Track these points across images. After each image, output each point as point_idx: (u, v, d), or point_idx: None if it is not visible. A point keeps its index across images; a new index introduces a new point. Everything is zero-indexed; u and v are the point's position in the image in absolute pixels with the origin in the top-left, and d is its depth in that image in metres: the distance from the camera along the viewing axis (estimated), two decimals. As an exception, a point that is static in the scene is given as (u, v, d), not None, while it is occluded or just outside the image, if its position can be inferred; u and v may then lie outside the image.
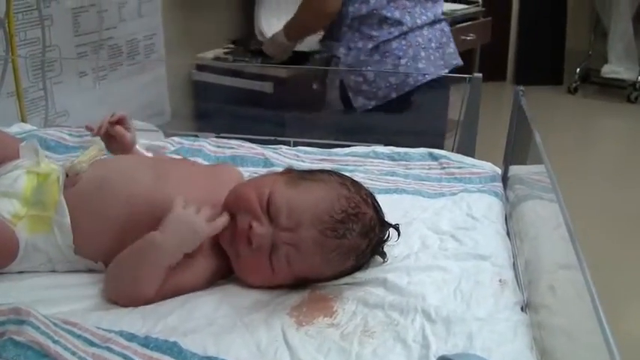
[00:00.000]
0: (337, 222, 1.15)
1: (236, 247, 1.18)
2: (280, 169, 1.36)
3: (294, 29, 2.46)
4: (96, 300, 1.16)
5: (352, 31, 2.29)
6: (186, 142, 1.76)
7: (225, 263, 1.20)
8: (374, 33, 2.27)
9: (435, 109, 2.37)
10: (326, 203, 1.16)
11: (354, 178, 1.29)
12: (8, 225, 1.20)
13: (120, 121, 1.46)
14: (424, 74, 2.26)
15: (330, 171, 1.29)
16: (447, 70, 2.31)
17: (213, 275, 1.20)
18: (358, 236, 1.18)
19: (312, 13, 2.34)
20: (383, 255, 1.26)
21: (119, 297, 1.14)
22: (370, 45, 2.26)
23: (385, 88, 2.27)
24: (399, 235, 1.29)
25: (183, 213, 1.16)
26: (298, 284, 1.20)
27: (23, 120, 2.32)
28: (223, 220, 1.18)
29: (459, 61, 2.39)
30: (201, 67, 3.09)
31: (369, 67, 2.26)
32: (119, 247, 1.19)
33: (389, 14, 2.24)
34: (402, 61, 2.25)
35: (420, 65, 2.26)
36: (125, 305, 1.12)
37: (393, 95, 2.27)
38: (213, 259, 1.20)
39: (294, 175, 1.27)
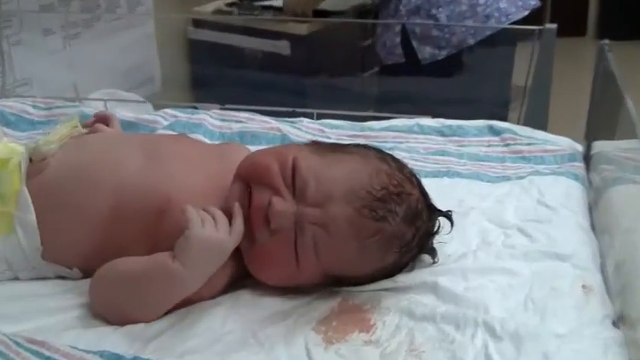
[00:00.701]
0: (376, 200, 1.14)
1: (250, 231, 1.16)
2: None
3: None
4: (70, 314, 1.15)
5: None
6: (183, 116, 1.75)
7: (242, 263, 1.19)
8: None
9: (497, 70, 2.35)
10: (363, 176, 1.16)
11: (394, 157, 1.29)
12: None
13: (104, 120, 1.46)
14: (507, 14, 2.24)
15: (366, 145, 1.28)
16: (526, 13, 2.29)
17: (231, 280, 1.20)
18: (402, 222, 1.16)
19: None
20: (432, 253, 1.26)
21: (113, 318, 1.13)
22: None
23: (461, 33, 2.24)
24: (452, 224, 1.28)
25: (202, 233, 1.11)
26: (327, 285, 1.19)
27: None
28: (240, 221, 1.15)
29: (537, 2, 2.36)
30: (198, 23, 3.10)
31: (439, 8, 2.23)
32: (101, 250, 1.19)
33: None
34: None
35: (502, 5, 2.25)
36: (118, 324, 1.12)
37: (471, 42, 2.25)
38: (231, 261, 1.17)
39: (322, 145, 1.27)
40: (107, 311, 1.13)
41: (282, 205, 1.14)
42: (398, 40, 2.34)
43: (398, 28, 2.33)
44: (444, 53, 2.26)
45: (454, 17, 2.22)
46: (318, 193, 1.14)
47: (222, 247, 1.12)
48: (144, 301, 1.12)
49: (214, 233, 1.11)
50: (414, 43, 2.29)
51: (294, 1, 2.51)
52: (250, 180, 1.19)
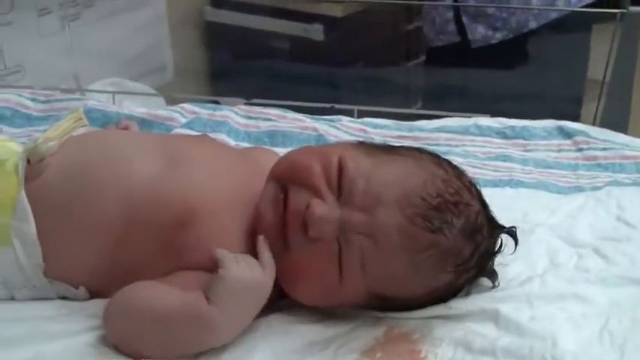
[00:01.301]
0: (431, 208, 1.14)
1: (284, 238, 1.16)
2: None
3: None
4: (77, 339, 1.15)
5: None
6: (204, 112, 1.77)
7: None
8: None
9: (569, 61, 2.34)
10: (417, 181, 1.16)
11: (449, 163, 1.29)
12: None
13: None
14: None
15: (419, 148, 1.29)
16: None
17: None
18: (459, 236, 1.16)
19: None
20: (493, 276, 1.26)
21: (128, 351, 1.12)
22: None
23: (523, 14, 2.19)
24: (516, 243, 1.28)
25: (239, 273, 1.11)
26: (370, 307, 1.20)
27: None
28: (268, 255, 1.16)
29: None
30: (217, 3, 3.10)
31: None
32: (112, 266, 1.20)
33: None
34: None
35: None
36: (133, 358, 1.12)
37: (533, 25, 2.22)
38: None
39: (370, 146, 1.28)
40: (122, 343, 1.12)
41: (323, 208, 1.13)
42: (450, 15, 2.31)
43: (450, 1, 2.29)
44: (498, 36, 2.23)
45: None
46: (367, 195, 1.14)
47: (261, 287, 1.13)
48: (166, 344, 1.11)
49: (251, 274, 1.12)
50: (465, 20, 2.25)
51: None
52: (287, 180, 1.19)
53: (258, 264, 1.13)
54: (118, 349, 1.12)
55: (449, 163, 1.25)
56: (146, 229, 1.19)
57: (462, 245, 1.17)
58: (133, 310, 1.12)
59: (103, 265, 1.21)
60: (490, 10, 2.21)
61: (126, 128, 1.46)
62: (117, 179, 1.23)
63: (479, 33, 2.23)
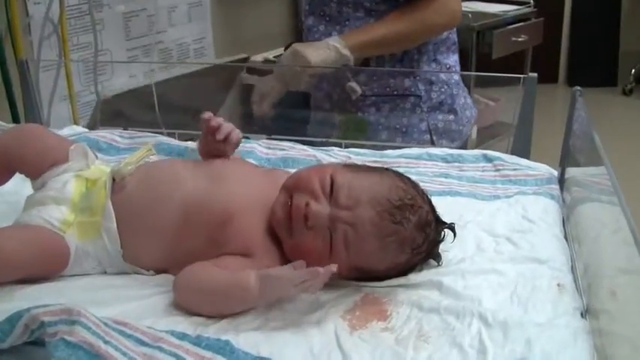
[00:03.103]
0: (394, 207, 1.15)
1: (290, 226, 1.17)
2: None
3: (385, 38, 1.87)
4: (146, 301, 1.15)
5: (428, 60, 2.02)
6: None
7: (283, 263, 1.18)
8: (450, 62, 2.05)
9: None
10: (384, 188, 1.17)
11: (407, 180, 1.28)
12: (58, 234, 1.21)
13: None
14: None
15: (387, 168, 1.29)
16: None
17: None
18: (414, 228, 1.17)
19: (440, 13, 1.90)
20: (438, 257, 1.25)
21: (190, 309, 1.12)
22: (452, 78, 2.04)
23: (466, 126, 2.11)
24: (454, 235, 1.28)
25: (284, 286, 1.09)
26: (352, 278, 1.19)
27: (75, 123, 2.34)
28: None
29: None
30: (251, 70, 3.09)
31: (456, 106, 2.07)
32: (172, 254, 1.19)
33: (455, 37, 2.06)
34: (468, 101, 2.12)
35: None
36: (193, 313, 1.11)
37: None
38: (273, 262, 1.19)
39: (354, 165, 1.30)
40: (186, 305, 1.12)
41: (318, 206, 1.15)
42: (417, 135, 2.07)
43: (423, 125, 2.05)
44: (454, 145, 2.04)
45: (464, 109, 2.10)
46: (349, 198, 1.14)
47: (286, 296, 1.13)
48: (215, 305, 1.11)
49: (288, 284, 1.09)
50: (434, 138, 2.05)
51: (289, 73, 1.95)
52: (293, 189, 1.20)
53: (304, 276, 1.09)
54: (176, 308, 1.12)
55: (408, 178, 1.26)
56: (197, 228, 1.19)
57: (416, 235, 1.18)
58: (194, 282, 1.13)
59: (166, 254, 1.21)
60: (454, 127, 2.07)
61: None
62: (174, 192, 1.23)
63: (444, 144, 2.03)
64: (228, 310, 1.11)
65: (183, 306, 1.12)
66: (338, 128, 2.07)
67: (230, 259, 1.17)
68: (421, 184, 1.29)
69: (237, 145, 1.38)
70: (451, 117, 2.06)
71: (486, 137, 3.20)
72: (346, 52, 1.85)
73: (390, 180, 1.20)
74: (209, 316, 1.10)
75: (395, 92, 1.99)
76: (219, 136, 1.32)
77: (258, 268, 1.13)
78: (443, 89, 2.02)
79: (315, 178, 1.19)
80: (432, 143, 2.01)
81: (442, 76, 2.02)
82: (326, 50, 1.85)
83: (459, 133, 2.09)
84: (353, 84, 1.94)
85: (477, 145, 2.15)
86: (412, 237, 1.18)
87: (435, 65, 2.02)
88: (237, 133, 1.37)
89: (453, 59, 2.08)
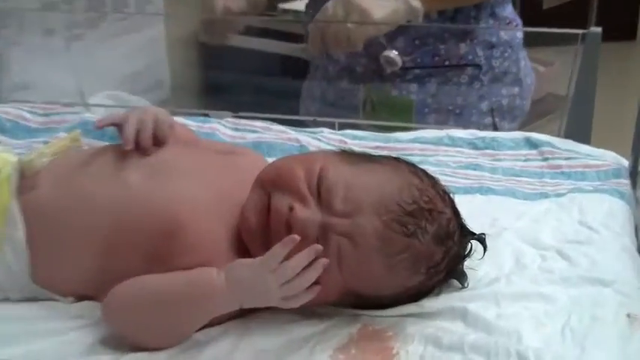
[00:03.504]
0: (407, 214, 1.14)
1: (268, 239, 1.15)
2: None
3: None
4: (63, 338, 1.13)
5: (486, 16, 2.02)
6: (193, 124, 1.75)
7: None
8: (508, 14, 2.06)
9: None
10: (393, 188, 1.16)
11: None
12: None
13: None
14: None
15: (397, 157, 1.29)
16: None
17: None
18: (432, 241, 1.17)
19: None
20: (462, 277, 1.25)
21: (133, 339, 1.12)
22: (516, 37, 2.06)
23: (528, 99, 2.14)
24: (484, 249, 1.28)
25: (258, 269, 1.11)
26: (347, 305, 1.19)
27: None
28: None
29: None
30: (211, 25, 3.10)
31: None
32: (98, 278, 1.18)
33: None
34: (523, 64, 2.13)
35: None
36: (136, 346, 1.11)
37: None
38: None
39: (351, 154, 1.28)
40: (125, 329, 1.12)
41: (305, 212, 1.14)
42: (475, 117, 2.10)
43: (483, 105, 2.08)
44: (515, 126, 2.12)
45: (528, 78, 2.14)
46: (347, 202, 1.14)
47: (268, 295, 1.11)
48: (173, 315, 1.12)
49: (269, 280, 1.09)
50: (497, 119, 2.08)
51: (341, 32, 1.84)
52: (271, 186, 1.19)
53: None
54: (105, 345, 1.12)
55: (424, 172, 1.25)
56: (133, 240, 1.18)
57: (434, 249, 1.17)
58: (137, 292, 1.13)
59: (92, 274, 1.19)
60: (517, 102, 2.11)
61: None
62: (105, 192, 1.22)
63: (506, 127, 2.07)
64: (190, 323, 1.11)
65: (119, 331, 1.12)
66: (362, 110, 2.05)
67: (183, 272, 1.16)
68: (441, 179, 1.29)
69: (164, 140, 1.33)
70: (516, 90, 2.08)
71: (534, 115, 3.20)
72: (416, 2, 1.82)
73: (400, 176, 1.20)
74: (156, 349, 1.10)
75: (446, 62, 2.00)
76: (127, 147, 1.28)
77: None
78: (506, 54, 2.03)
79: (301, 171, 1.18)
80: (495, 127, 2.02)
81: (503, 35, 2.03)
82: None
83: (521, 111, 2.11)
84: (391, 53, 1.93)
85: (522, 126, 2.16)
86: (429, 253, 1.17)
87: (492, 21, 2.02)
88: (147, 134, 1.29)
89: (510, 10, 2.08)
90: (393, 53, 1.91)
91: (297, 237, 1.08)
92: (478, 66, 1.99)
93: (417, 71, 1.99)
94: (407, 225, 1.14)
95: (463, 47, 1.97)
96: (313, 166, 1.18)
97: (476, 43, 1.98)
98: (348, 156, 1.25)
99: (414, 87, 2.00)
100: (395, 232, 1.14)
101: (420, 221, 1.16)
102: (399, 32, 1.90)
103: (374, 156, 1.30)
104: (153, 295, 1.12)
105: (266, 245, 1.13)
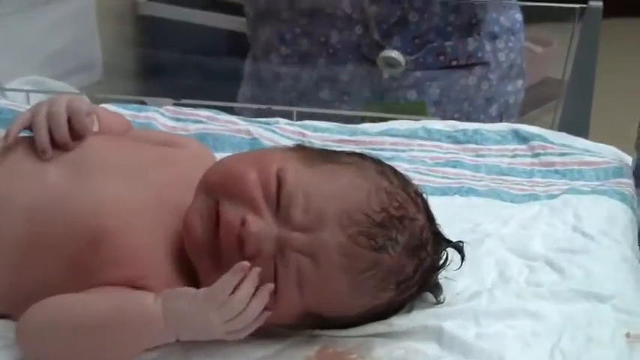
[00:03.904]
0: (375, 225, 1.14)
1: (216, 253, 1.15)
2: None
3: None
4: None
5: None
6: (127, 113, 1.74)
7: None
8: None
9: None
10: (360, 195, 1.16)
11: (395, 170, 1.28)
12: None
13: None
14: None
15: (361, 154, 1.29)
16: None
17: None
18: (403, 253, 1.17)
19: None
20: (437, 290, 1.26)
21: None
22: (517, 22, 2.12)
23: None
24: (462, 258, 1.28)
25: (201, 306, 1.10)
26: (306, 326, 1.19)
27: None
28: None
29: None
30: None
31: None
32: (11, 293, 1.18)
33: None
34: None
35: None
36: None
37: None
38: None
39: (310, 152, 1.27)
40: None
41: (260, 224, 1.13)
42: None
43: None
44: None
45: None
46: (308, 214, 1.13)
47: (210, 332, 1.12)
48: (99, 347, 1.11)
49: (212, 317, 1.09)
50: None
51: None
52: (219, 193, 1.17)
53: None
54: None
55: (394, 171, 1.25)
56: (52, 249, 1.17)
57: (405, 262, 1.18)
58: (55, 317, 1.11)
59: (4, 289, 1.19)
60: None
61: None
62: (17, 194, 1.21)
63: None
64: (117, 355, 1.11)
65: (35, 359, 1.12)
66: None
67: (111, 289, 1.15)
68: (416, 179, 1.31)
69: (84, 132, 1.30)
70: (520, 83, 2.13)
71: (529, 104, 3.19)
72: None
73: (367, 178, 1.19)
74: None
75: (453, 62, 2.02)
76: (44, 156, 1.26)
77: None
78: (510, 43, 2.08)
79: (254, 174, 1.17)
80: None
81: (504, 21, 2.06)
82: None
83: (518, 103, 2.17)
84: (392, 52, 1.95)
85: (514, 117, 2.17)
86: (399, 267, 1.17)
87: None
88: (62, 129, 1.26)
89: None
90: (395, 52, 1.93)
91: (246, 264, 1.08)
92: (486, 64, 2.02)
93: (417, 75, 2.01)
94: (375, 238, 1.14)
95: (472, 43, 2.00)
96: (269, 168, 1.17)
97: (483, 35, 2.01)
98: (307, 155, 1.24)
99: (411, 93, 2.03)
100: (361, 247, 1.13)
101: (390, 232, 1.16)
102: (394, 29, 1.92)
103: (336, 152, 1.29)
104: (75, 320, 1.11)
105: (214, 260, 1.14)
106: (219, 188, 1.18)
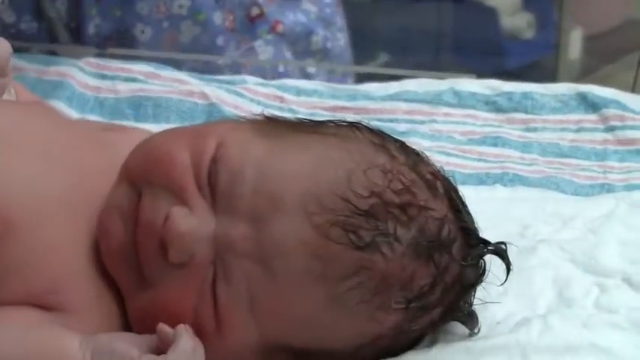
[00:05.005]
0: (358, 213, 1.13)
1: (137, 265, 1.17)
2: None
3: None
4: None
5: None
6: (31, 68, 1.78)
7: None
8: None
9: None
10: (336, 172, 1.15)
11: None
12: None
13: None
14: None
15: (356, 123, 1.28)
16: None
17: None
18: (408, 255, 1.15)
19: None
20: (470, 318, 1.27)
21: None
22: None
23: None
24: (507, 271, 1.28)
25: None
26: None
27: None
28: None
29: None
30: None
31: None
32: None
33: None
34: None
35: None
36: None
37: None
38: (115, 320, 1.21)
39: (276, 122, 1.28)
40: None
41: (189, 221, 1.14)
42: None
43: None
44: None
45: None
46: (257, 198, 1.14)
47: None
48: None
49: None
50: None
51: None
52: (142, 182, 1.19)
53: None
54: None
55: (401, 145, 1.25)
56: None
57: (414, 269, 1.16)
58: None
59: None
60: None
61: None
62: None
63: None
64: None
65: None
66: None
67: (13, 313, 1.17)
68: (439, 161, 1.30)
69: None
70: None
71: (601, 55, 3.20)
72: None
73: (353, 151, 1.19)
74: None
75: None
76: None
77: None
78: None
79: (183, 153, 1.19)
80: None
81: None
82: None
83: None
84: None
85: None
86: (404, 276, 1.15)
87: None
88: None
89: None
90: None
91: (169, 331, 1.10)
92: None
93: None
94: (357, 230, 1.12)
95: None
96: (205, 146, 1.18)
97: None
98: (270, 126, 1.25)
99: None
100: (336, 243, 1.12)
101: (384, 224, 1.14)
102: None
103: (317, 123, 1.30)
104: None
105: (137, 272, 1.16)
106: (142, 175, 1.20)
